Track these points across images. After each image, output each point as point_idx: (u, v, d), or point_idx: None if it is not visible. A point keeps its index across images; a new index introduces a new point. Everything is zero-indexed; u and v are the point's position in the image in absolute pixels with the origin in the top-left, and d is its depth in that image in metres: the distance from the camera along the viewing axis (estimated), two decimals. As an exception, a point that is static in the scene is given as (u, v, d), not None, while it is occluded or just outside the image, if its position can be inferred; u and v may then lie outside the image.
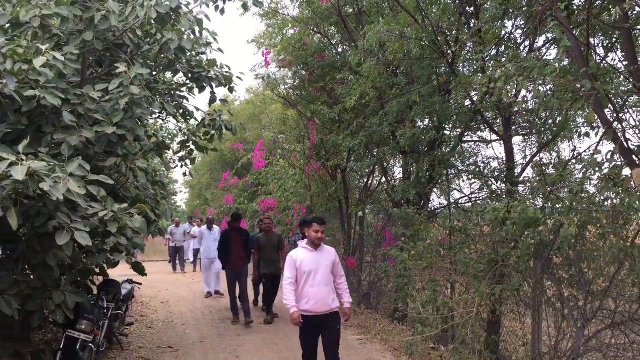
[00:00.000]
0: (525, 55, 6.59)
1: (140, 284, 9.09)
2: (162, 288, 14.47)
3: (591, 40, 5.40)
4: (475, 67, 7.59)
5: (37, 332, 7.93)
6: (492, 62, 7.08)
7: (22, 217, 4.56)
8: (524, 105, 7.20)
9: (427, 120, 9.79)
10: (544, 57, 7.36)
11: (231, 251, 9.87)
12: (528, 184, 7.78)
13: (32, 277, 5.21)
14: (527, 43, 8.10)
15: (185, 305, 11.99)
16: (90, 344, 6.17)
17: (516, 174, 7.78)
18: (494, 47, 7.71)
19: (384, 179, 12.03)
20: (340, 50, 11.57)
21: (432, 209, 10.11)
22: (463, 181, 9.80)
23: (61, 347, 5.81)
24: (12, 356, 5.06)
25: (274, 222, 14.97)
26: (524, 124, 8.77)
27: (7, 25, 5.64)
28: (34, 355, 5.46)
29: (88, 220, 4.87)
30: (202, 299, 12.65)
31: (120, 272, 9.95)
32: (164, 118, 12.74)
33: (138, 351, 8.04)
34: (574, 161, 6.98)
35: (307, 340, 5.74)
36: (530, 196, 6.87)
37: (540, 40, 8.06)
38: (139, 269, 6.30)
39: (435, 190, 9.92)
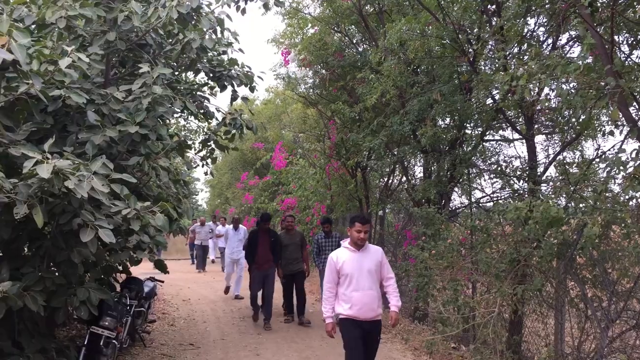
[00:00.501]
0: (548, 53, 6.51)
1: (162, 281, 9.19)
2: (183, 286, 14.59)
3: (615, 37, 5.32)
4: (497, 66, 7.52)
5: (61, 329, 8.07)
6: (514, 60, 7.01)
7: (47, 214, 4.64)
8: (547, 104, 7.11)
9: (448, 119, 9.73)
10: (567, 55, 7.28)
11: (258, 252, 9.63)
12: (551, 183, 7.70)
13: (57, 274, 5.29)
14: (550, 41, 8.02)
15: (206, 303, 12.08)
16: (114, 341, 6.25)
17: (539, 173, 7.70)
18: (516, 45, 7.63)
19: (404, 178, 11.99)
20: (360, 49, 11.55)
21: (453, 208, 10.04)
22: (484, 180, 9.73)
23: (85, 343, 5.89)
24: (37, 351, 5.15)
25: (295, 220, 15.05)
26: (547, 123, 8.68)
27: (33, 26, 5.75)
28: (58, 351, 5.54)
29: (111, 218, 4.94)
30: (223, 298, 12.72)
31: (143, 270, 10.08)
32: (186, 117, 12.85)
33: (160, 348, 8.12)
34: (597, 160, 6.88)
35: (353, 346, 5.11)
36: (552, 195, 6.79)
37: (564, 38, 7.98)
38: (161, 266, 6.37)
39: (456, 189, 9.86)
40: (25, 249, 5.64)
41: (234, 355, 7.77)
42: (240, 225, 13.42)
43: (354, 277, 5.10)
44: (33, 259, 5.24)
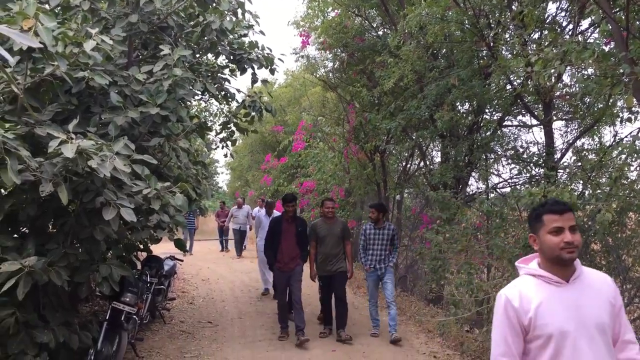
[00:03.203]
0: (567, 39, 6.48)
1: (182, 260, 9.39)
2: (203, 266, 14.83)
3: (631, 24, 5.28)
4: (516, 51, 7.50)
5: (85, 304, 8.31)
6: (533, 46, 6.99)
7: (71, 193, 4.79)
8: (564, 90, 7.10)
9: (466, 104, 9.73)
10: (588, 41, 7.22)
11: (282, 247, 7.69)
12: (567, 170, 7.69)
13: (80, 250, 5.46)
14: (571, 26, 7.96)
15: (225, 283, 12.30)
16: (134, 316, 6.45)
17: (555, 159, 7.70)
18: (536, 30, 7.59)
19: (422, 163, 12.02)
20: (380, 33, 11.54)
21: (470, 193, 10.07)
22: (502, 166, 9.74)
23: (107, 318, 6.08)
24: (61, 324, 5.34)
25: (312, 204, 15.12)
26: (565, 109, 8.65)
27: (58, 9, 5.88)
28: (81, 325, 5.73)
29: (133, 197, 5.08)
30: (241, 278, 12.92)
31: (164, 250, 10.30)
32: (207, 100, 12.97)
33: (179, 325, 8.34)
34: (615, 146, 6.86)
35: None
36: (569, 181, 6.79)
37: (585, 23, 7.91)
38: (180, 245, 6.53)
39: (473, 174, 9.88)
40: (50, 226, 5.81)
41: (250, 333, 7.94)
42: (275, 211, 10.93)
43: (568, 341, 2.39)
44: (58, 235, 5.41)
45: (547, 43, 4.99)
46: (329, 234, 7.75)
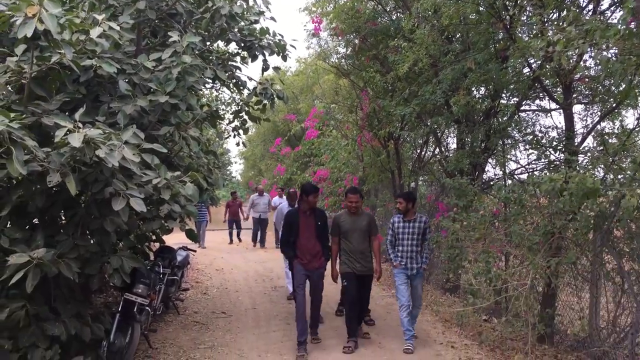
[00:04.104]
0: (590, 17, 6.26)
1: (195, 250, 9.33)
2: (217, 256, 14.81)
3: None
4: (534, 32, 7.27)
5: (98, 295, 8.28)
6: (552, 27, 6.77)
7: (80, 183, 4.70)
8: (585, 72, 6.87)
9: (482, 89, 9.51)
10: (608, 20, 6.98)
11: (300, 243, 6.82)
12: (588, 154, 7.48)
13: (91, 241, 5.39)
14: (590, 7, 7.70)
15: (238, 273, 12.24)
16: (147, 308, 6.39)
17: (576, 144, 7.48)
18: (554, 10, 7.35)
19: (437, 150, 11.84)
20: (394, 17, 11.32)
21: (487, 179, 9.87)
22: (520, 151, 9.53)
23: (119, 309, 6.03)
24: (73, 317, 5.28)
25: (325, 192, 14.98)
26: (586, 92, 8.41)
27: (65, -4, 5.77)
28: (94, 317, 5.67)
29: (143, 187, 4.98)
30: (255, 268, 12.86)
31: (177, 240, 10.25)
32: (218, 88, 12.87)
33: (193, 316, 8.28)
34: (638, 129, 6.65)
35: None
36: (590, 166, 6.60)
37: (605, 3, 7.67)
38: (192, 235, 6.44)
39: (490, 160, 9.68)
40: (63, 217, 5.74)
41: (264, 323, 7.87)
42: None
43: None
44: (68, 227, 5.34)
45: (567, 23, 4.78)
46: (354, 229, 6.83)
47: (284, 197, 13.92)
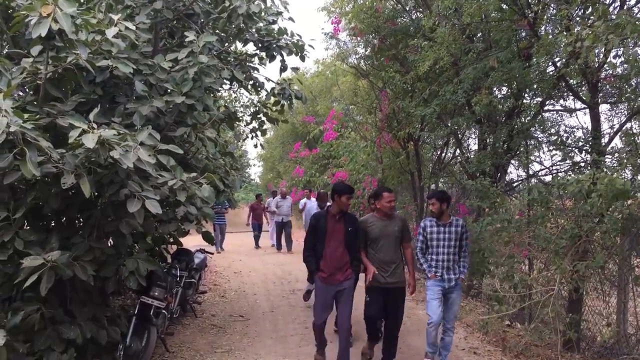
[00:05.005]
0: (618, 12, 6.05)
1: (212, 253, 9.26)
2: (235, 258, 14.74)
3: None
4: (559, 29, 7.07)
5: (117, 298, 8.25)
6: (578, 24, 6.57)
7: (96, 185, 4.65)
8: (614, 69, 6.65)
9: (505, 88, 9.30)
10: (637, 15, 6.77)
11: (326, 251, 5.81)
12: (615, 155, 7.25)
13: (107, 244, 5.34)
14: (617, 3, 7.47)
15: (257, 275, 12.15)
16: (164, 311, 6.32)
17: (603, 144, 7.26)
18: (580, 6, 7.14)
19: (458, 151, 11.65)
20: (413, 17, 11.17)
21: (509, 181, 9.66)
22: (543, 153, 9.30)
23: (135, 312, 5.97)
24: (89, 320, 5.22)
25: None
26: (612, 91, 8.16)
27: (82, -2, 5.74)
28: (110, 320, 5.62)
29: (159, 189, 4.91)
30: (273, 270, 12.76)
31: (197, 243, 10.19)
32: (236, 89, 12.82)
33: (210, 319, 8.20)
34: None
35: None
36: (618, 167, 6.39)
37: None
38: (208, 238, 6.35)
39: (512, 162, 9.47)
40: (81, 219, 5.69)
41: (282, 327, 7.76)
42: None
43: None
44: (83, 229, 5.29)
45: (596, 16, 4.60)
46: (384, 235, 5.83)
47: (312, 198, 13.53)
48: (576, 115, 9.10)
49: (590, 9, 7.26)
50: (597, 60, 6.44)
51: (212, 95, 6.95)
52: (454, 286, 5.84)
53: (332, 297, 5.83)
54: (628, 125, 7.50)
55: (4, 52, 5.50)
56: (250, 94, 10.46)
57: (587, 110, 7.46)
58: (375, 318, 5.90)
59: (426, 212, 11.76)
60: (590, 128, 7.46)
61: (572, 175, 6.52)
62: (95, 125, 4.34)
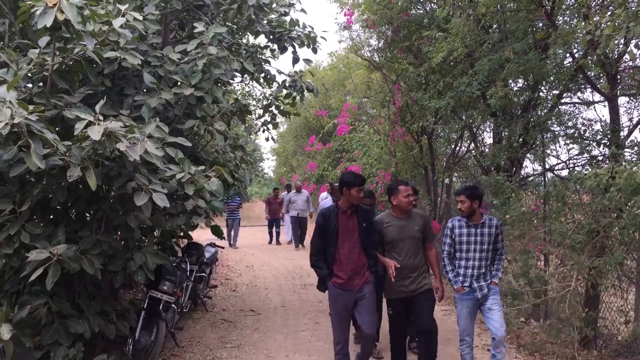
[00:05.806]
0: (636, 3, 5.86)
1: (223, 247, 9.20)
2: (247, 252, 14.71)
3: None
4: (577, 19, 6.87)
5: (127, 292, 8.23)
6: (597, 13, 6.37)
7: (103, 178, 4.59)
8: (632, 61, 6.46)
9: (521, 80, 9.10)
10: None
11: (339, 253, 4.97)
12: (635, 148, 7.06)
13: (115, 237, 5.28)
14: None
15: (269, 270, 12.10)
16: (173, 305, 6.26)
17: (621, 137, 7.07)
18: (599, -4, 6.95)
19: (472, 145, 11.47)
20: (427, 8, 10.98)
21: (525, 175, 9.47)
22: (560, 146, 9.10)
23: (144, 306, 5.92)
24: (97, 314, 5.18)
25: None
26: (632, 83, 7.95)
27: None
28: (119, 314, 5.57)
29: (167, 182, 4.84)
30: (285, 265, 12.70)
31: (209, 237, 10.13)
32: (247, 82, 12.72)
33: (221, 313, 8.16)
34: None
35: None
36: (637, 161, 6.21)
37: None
38: (217, 232, 6.29)
39: (528, 155, 9.28)
40: (89, 213, 5.64)
41: (293, 322, 7.68)
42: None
43: None
44: (91, 222, 5.24)
45: (617, 4, 4.44)
46: (404, 236, 5.05)
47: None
48: (594, 107, 8.89)
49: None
50: (616, 50, 6.25)
51: (222, 87, 6.85)
52: (489, 293, 5.11)
53: (351, 307, 5.00)
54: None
55: (14, 43, 5.45)
56: (262, 87, 10.36)
57: (606, 103, 7.27)
58: (402, 332, 5.26)
59: (440, 207, 11.64)
60: (608, 121, 7.27)
61: (590, 170, 6.34)
62: (101, 117, 4.27)
